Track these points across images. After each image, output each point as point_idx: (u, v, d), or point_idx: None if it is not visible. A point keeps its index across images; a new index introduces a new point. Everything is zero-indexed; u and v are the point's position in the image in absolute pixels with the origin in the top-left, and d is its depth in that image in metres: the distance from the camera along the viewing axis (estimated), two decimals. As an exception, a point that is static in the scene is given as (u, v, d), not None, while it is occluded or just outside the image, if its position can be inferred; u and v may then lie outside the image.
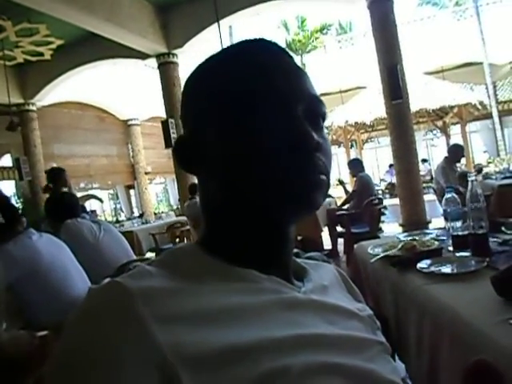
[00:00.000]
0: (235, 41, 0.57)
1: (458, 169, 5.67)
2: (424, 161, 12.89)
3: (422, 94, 9.17)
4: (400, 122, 6.09)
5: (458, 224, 1.54)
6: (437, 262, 1.47)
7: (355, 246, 2.22)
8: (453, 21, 13.21)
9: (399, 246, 1.65)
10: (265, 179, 0.45)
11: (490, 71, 11.94)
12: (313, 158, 0.46)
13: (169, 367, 0.35)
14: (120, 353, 0.35)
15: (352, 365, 0.44)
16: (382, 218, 5.72)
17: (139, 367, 0.34)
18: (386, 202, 7.64)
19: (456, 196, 1.58)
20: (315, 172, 0.46)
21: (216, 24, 6.44)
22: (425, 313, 1.25)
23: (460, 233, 1.53)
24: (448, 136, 11.54)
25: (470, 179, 1.45)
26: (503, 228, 1.74)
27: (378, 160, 16.09)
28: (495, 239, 1.60)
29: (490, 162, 10.45)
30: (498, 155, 12.00)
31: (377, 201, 5.24)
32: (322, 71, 13.87)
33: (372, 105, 9.33)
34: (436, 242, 1.65)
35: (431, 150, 15.77)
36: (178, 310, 0.39)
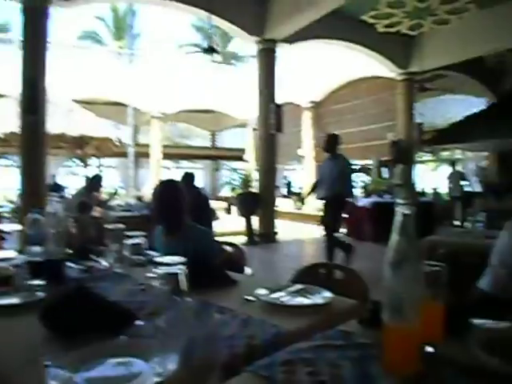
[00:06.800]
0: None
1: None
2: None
3: (67, 120, 8.95)
4: (34, 140, 5.70)
5: (38, 249, 1.39)
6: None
7: None
8: (112, 58, 13.76)
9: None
10: None
11: (133, 114, 12.93)
12: None
13: None
14: None
15: None
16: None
17: None
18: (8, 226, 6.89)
19: (40, 217, 1.43)
20: None
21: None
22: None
23: (37, 259, 1.38)
24: (86, 165, 11.67)
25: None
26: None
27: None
28: (80, 266, 1.55)
29: (114, 194, 10.82)
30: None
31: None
32: None
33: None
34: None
35: (71, 177, 15.62)
36: None
